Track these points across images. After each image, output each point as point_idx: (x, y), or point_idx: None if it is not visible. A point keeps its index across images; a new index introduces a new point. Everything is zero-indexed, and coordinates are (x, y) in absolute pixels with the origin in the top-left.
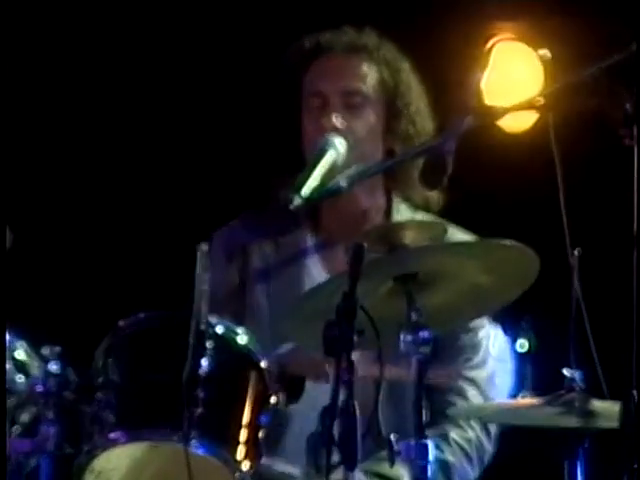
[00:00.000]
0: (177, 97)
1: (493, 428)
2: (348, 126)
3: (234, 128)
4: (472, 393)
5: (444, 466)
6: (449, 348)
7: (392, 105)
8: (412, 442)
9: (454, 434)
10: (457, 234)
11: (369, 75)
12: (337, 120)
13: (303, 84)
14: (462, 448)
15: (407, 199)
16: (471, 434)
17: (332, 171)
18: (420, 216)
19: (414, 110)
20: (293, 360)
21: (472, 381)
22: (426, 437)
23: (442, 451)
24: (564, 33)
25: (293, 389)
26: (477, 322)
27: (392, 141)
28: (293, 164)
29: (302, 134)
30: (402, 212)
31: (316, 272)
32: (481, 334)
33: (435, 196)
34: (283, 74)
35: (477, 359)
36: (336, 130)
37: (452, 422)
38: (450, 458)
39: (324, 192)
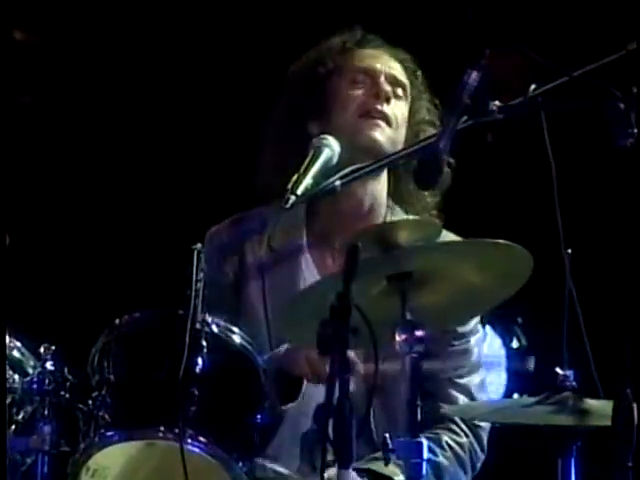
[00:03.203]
0: (174, 97)
1: (485, 435)
2: (393, 114)
3: (230, 129)
4: (463, 400)
5: (436, 468)
6: (441, 354)
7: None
8: (406, 440)
9: (447, 438)
10: (449, 237)
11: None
12: (387, 106)
13: (343, 68)
14: (455, 452)
15: (401, 202)
16: (464, 439)
17: (327, 170)
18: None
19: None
20: (291, 361)
21: (463, 388)
22: (420, 435)
23: (435, 454)
24: (558, 32)
25: (291, 389)
26: (469, 328)
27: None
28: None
29: (331, 116)
30: (397, 214)
31: (309, 272)
32: (473, 341)
33: (429, 199)
34: (318, 56)
35: (468, 366)
36: (385, 118)
37: (445, 427)
38: (443, 461)
39: (318, 191)
